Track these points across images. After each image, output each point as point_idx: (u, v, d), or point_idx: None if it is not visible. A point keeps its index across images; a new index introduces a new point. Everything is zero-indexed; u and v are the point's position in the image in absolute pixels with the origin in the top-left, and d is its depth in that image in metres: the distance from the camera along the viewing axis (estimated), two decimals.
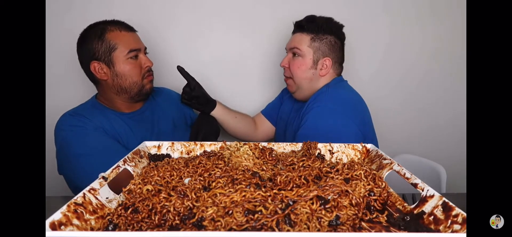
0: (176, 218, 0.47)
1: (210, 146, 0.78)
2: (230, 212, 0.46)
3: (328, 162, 0.65)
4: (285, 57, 1.12)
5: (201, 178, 0.58)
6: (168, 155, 0.77)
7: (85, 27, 1.00)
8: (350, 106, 1.03)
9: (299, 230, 0.43)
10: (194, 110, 1.24)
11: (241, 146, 0.70)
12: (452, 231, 0.44)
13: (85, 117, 0.96)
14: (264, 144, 0.75)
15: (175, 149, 0.78)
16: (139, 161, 0.69)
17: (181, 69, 1.09)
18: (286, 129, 1.18)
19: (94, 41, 0.96)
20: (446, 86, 1.46)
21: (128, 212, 0.48)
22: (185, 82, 1.12)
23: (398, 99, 1.47)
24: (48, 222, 0.41)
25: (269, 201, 0.48)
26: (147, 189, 0.54)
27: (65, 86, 1.33)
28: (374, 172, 0.56)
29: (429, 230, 0.47)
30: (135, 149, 0.72)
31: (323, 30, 1.06)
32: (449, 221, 0.45)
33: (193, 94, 1.11)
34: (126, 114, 1.05)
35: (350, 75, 1.40)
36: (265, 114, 1.33)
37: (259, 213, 0.45)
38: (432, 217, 0.48)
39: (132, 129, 1.02)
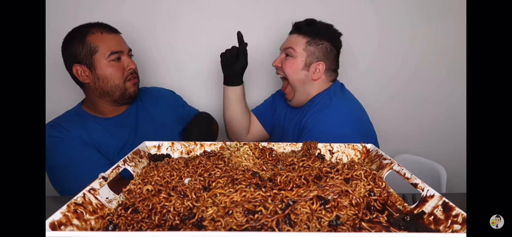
0: (176, 218, 0.47)
1: (210, 146, 0.78)
2: (230, 212, 0.46)
3: (328, 162, 0.65)
4: (278, 57, 1.10)
5: (201, 178, 0.58)
6: (168, 155, 0.77)
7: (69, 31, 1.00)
8: (358, 122, 1.01)
9: (299, 230, 0.43)
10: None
11: (241, 146, 0.70)
12: (452, 231, 0.44)
13: (63, 128, 0.96)
14: (264, 144, 0.75)
15: (175, 149, 0.78)
16: (139, 161, 0.69)
17: (240, 36, 1.06)
18: (282, 135, 1.16)
19: (76, 44, 0.96)
20: (438, 85, 1.46)
21: (128, 212, 0.48)
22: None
23: (391, 98, 1.47)
24: (48, 222, 0.41)
25: (269, 201, 0.48)
26: (147, 189, 0.54)
27: (61, 88, 1.32)
28: (374, 172, 0.56)
29: (429, 230, 0.47)
30: (135, 149, 0.72)
31: (320, 35, 1.04)
32: (449, 221, 0.45)
33: (241, 52, 1.06)
34: (108, 120, 1.04)
35: (340, 76, 1.41)
36: (256, 114, 1.27)
37: (259, 213, 0.45)
38: (432, 217, 0.48)
39: (112, 135, 1.01)
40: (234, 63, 1.08)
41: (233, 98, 1.13)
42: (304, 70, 1.05)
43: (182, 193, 0.53)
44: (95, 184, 0.53)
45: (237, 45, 1.07)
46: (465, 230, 0.42)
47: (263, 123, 1.27)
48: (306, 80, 1.06)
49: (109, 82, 0.99)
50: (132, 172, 0.64)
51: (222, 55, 1.09)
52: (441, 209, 0.47)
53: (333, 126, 0.98)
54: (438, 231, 0.45)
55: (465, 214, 0.43)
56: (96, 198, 0.51)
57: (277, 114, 1.23)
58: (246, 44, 1.07)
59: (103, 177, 0.56)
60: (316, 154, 0.75)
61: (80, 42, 0.96)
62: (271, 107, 1.26)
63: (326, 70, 1.06)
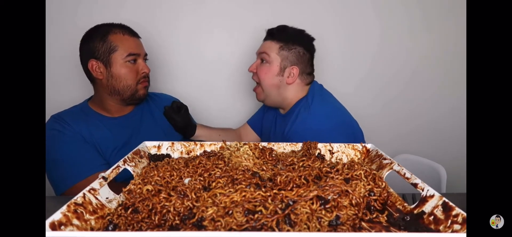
0: (176, 218, 0.47)
1: (210, 146, 0.78)
2: (230, 212, 0.46)
3: (328, 162, 0.65)
4: (254, 63, 1.12)
5: (201, 178, 0.58)
6: (168, 155, 0.77)
7: (91, 27, 1.02)
8: (337, 122, 1.01)
9: (299, 230, 0.43)
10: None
11: (241, 146, 0.70)
12: (452, 231, 0.43)
13: (66, 122, 0.98)
14: (264, 144, 0.75)
15: (175, 149, 0.78)
16: (139, 161, 0.69)
17: (166, 109, 1.11)
18: (270, 138, 1.17)
19: (97, 41, 0.99)
20: (439, 85, 1.46)
21: (128, 212, 0.48)
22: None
23: (392, 99, 1.47)
24: (48, 222, 0.41)
25: (269, 201, 0.48)
26: (147, 189, 0.54)
27: (70, 84, 1.33)
28: (374, 172, 0.56)
29: (429, 230, 0.47)
30: (135, 149, 0.72)
31: (292, 40, 1.06)
32: (449, 221, 0.45)
33: (174, 117, 1.11)
34: (113, 119, 1.05)
35: (342, 77, 1.41)
36: (250, 124, 1.32)
37: (259, 213, 0.45)
38: (432, 217, 0.48)
39: (114, 134, 1.02)
40: (175, 122, 1.12)
41: (203, 138, 1.20)
42: (279, 76, 1.07)
43: (182, 193, 0.53)
44: (95, 184, 0.53)
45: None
46: (465, 230, 0.42)
47: (257, 131, 1.31)
48: (281, 85, 1.08)
49: (121, 82, 1.01)
50: (132, 172, 0.64)
51: (164, 114, 1.13)
52: (441, 209, 0.47)
53: (316, 137, 0.97)
54: (438, 231, 0.45)
55: (465, 214, 0.43)
56: (96, 198, 0.51)
57: (266, 117, 1.25)
58: (173, 107, 1.12)
59: (103, 177, 0.56)
60: (316, 154, 0.75)
61: (101, 39, 0.99)
62: (262, 111, 1.29)
63: (300, 73, 1.08)
